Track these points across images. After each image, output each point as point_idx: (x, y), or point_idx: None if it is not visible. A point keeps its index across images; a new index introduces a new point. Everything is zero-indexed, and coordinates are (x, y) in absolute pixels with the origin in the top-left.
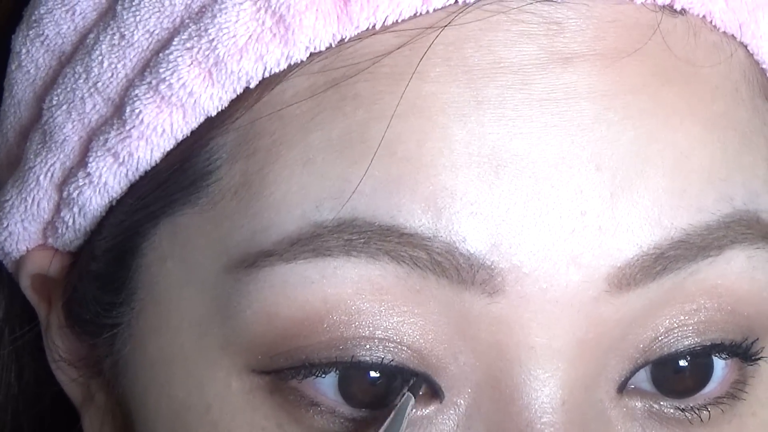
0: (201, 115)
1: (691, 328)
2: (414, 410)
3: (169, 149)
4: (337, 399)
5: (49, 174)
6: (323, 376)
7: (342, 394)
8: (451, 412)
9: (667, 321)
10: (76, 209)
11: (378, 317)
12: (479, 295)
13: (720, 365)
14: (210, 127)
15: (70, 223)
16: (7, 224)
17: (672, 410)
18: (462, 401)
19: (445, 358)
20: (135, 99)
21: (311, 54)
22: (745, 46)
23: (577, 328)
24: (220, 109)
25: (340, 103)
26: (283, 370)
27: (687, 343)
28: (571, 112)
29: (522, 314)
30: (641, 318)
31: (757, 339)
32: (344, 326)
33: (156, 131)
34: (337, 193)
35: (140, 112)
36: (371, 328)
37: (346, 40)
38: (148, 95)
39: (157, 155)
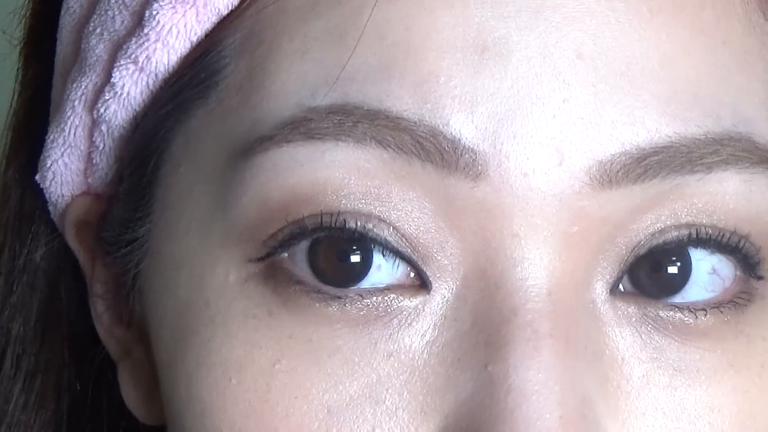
0: (213, 14)
1: (681, 232)
2: (403, 300)
3: (184, 53)
4: (317, 277)
5: (83, 97)
6: (308, 239)
7: (316, 274)
8: (438, 301)
9: (657, 225)
10: (104, 127)
11: (364, 201)
12: (463, 179)
13: (725, 267)
14: (221, 27)
15: (101, 147)
16: (51, 163)
17: (669, 312)
18: (449, 292)
19: (432, 246)
20: (153, 2)
21: None
22: None
23: (561, 219)
24: (230, 8)
25: None
26: (275, 250)
27: (675, 234)
28: (555, 0)
29: (504, 199)
30: (628, 220)
31: (762, 278)
32: (331, 203)
33: (171, 33)
34: (331, 78)
35: (157, 14)
36: (357, 205)
37: None
38: None
39: (174, 59)
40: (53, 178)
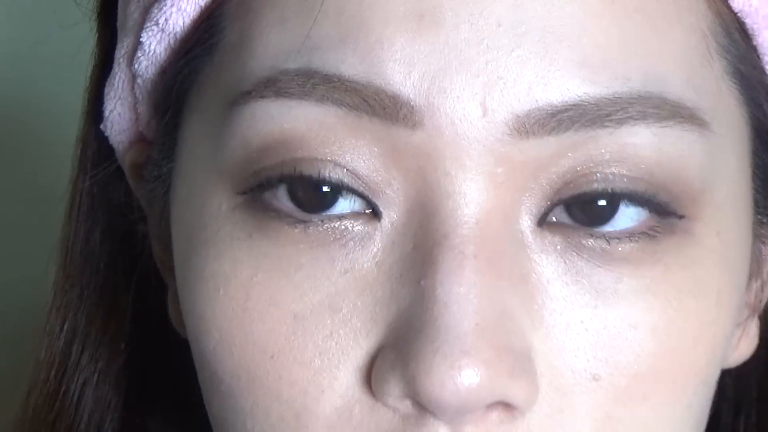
0: None
1: (598, 175)
2: (357, 226)
3: (194, 16)
4: (290, 206)
5: (126, 55)
6: (276, 187)
7: (294, 201)
8: (387, 227)
9: (576, 167)
10: (140, 81)
11: (323, 146)
12: (403, 128)
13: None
14: None
15: (140, 99)
16: (108, 113)
17: (590, 240)
18: (395, 220)
19: (381, 183)
20: None
21: None
22: None
23: (486, 161)
24: None
25: None
26: (254, 188)
27: (595, 186)
28: None
29: (437, 144)
30: (547, 163)
31: (682, 217)
32: (296, 150)
33: None
34: (300, 47)
35: None
36: (317, 152)
37: None
38: None
39: (187, 21)
40: (112, 127)
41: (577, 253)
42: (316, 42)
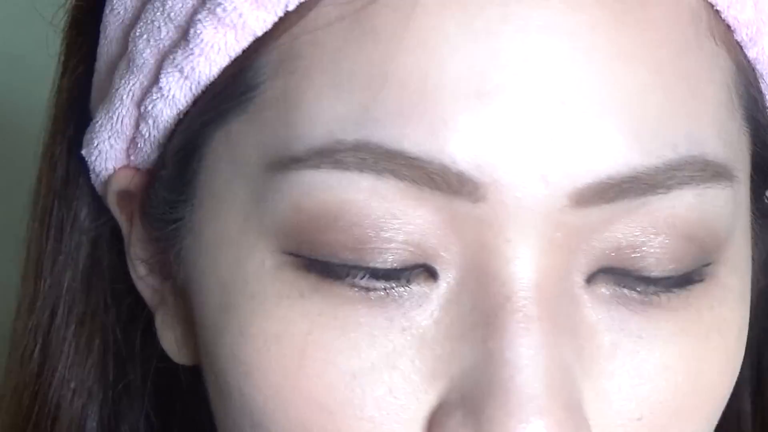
0: (249, 35)
1: (645, 249)
2: (414, 286)
3: (224, 65)
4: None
5: (131, 93)
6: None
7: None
8: (444, 288)
9: (628, 232)
10: (150, 121)
11: (383, 219)
12: (465, 201)
13: None
14: (257, 46)
15: (147, 136)
16: (97, 143)
17: (634, 293)
18: (452, 280)
19: (439, 248)
20: (197, 22)
21: None
22: None
23: (546, 228)
24: (264, 30)
25: (362, 37)
26: (310, 249)
27: (643, 264)
28: (543, 47)
29: (499, 215)
30: (600, 227)
31: (709, 264)
32: (356, 226)
33: (213, 48)
34: (358, 118)
35: (201, 32)
36: (377, 230)
37: None
38: (207, 18)
39: (215, 70)
40: (99, 155)
41: (621, 304)
42: (376, 115)
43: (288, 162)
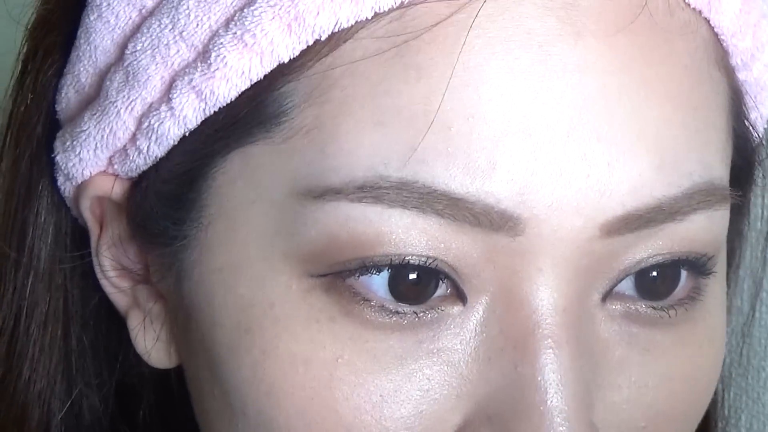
0: (275, 61)
1: (662, 254)
2: (443, 310)
3: (244, 89)
4: (386, 296)
5: (130, 107)
6: (377, 273)
7: (391, 291)
8: (472, 313)
9: (644, 253)
10: (153, 137)
11: (422, 248)
12: (504, 236)
13: (683, 275)
14: (281, 72)
15: (145, 151)
16: (80, 151)
17: (646, 310)
18: (481, 304)
19: (471, 273)
20: (220, 46)
21: (376, 14)
22: (707, 21)
23: (576, 257)
24: (291, 57)
25: (404, 72)
26: (341, 271)
27: (659, 259)
28: (579, 85)
29: (535, 247)
30: (622, 252)
31: (713, 256)
32: (394, 255)
33: (236, 72)
34: (402, 156)
35: (225, 57)
36: (417, 252)
37: (405, 3)
38: (233, 43)
39: (234, 94)
40: (79, 162)
41: (631, 320)
42: (421, 154)
43: (323, 192)
